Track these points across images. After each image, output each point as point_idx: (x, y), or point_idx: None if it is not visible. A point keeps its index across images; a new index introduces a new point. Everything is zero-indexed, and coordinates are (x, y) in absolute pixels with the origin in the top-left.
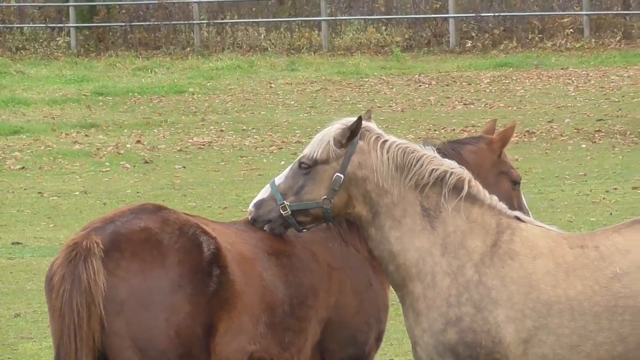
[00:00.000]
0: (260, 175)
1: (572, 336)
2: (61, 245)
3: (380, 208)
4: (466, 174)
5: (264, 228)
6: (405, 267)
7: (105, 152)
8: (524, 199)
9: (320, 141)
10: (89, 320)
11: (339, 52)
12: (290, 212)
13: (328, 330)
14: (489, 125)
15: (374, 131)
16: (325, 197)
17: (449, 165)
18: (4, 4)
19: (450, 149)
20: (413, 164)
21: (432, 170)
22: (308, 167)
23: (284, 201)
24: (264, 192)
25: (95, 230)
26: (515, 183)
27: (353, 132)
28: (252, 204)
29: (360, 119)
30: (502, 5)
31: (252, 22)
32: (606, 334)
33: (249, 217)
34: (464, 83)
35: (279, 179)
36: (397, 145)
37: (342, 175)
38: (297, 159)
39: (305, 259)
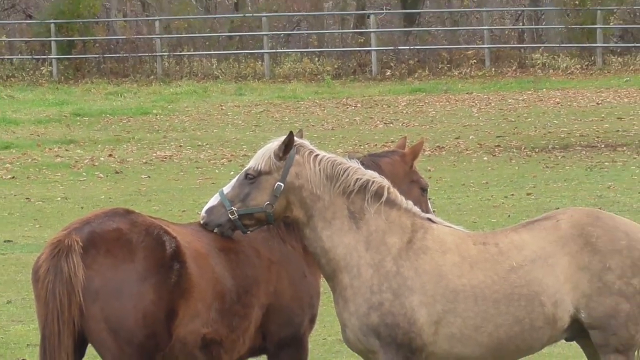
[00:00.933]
0: (213, 183)
1: (476, 319)
2: (45, 243)
3: (314, 212)
4: (386, 182)
5: (214, 231)
6: (335, 261)
7: (82, 164)
8: (429, 203)
9: (262, 155)
10: (70, 307)
11: (279, 80)
12: (237, 217)
13: (269, 314)
14: (400, 142)
15: (307, 147)
16: (268, 202)
17: (371, 175)
18: (2, 38)
19: (370, 161)
20: (341, 174)
21: (357, 179)
22: (253, 178)
23: (232, 207)
24: (213, 200)
25: (75, 230)
26: (424, 190)
27: (287, 146)
28: (203, 210)
29: (291, 133)
30: (417, 40)
31: (206, 54)
32: (504, 317)
33: (201, 222)
34: (384, 105)
35: (226, 189)
36: (327, 159)
37: (282, 184)
38: (243, 170)
39: (249, 255)
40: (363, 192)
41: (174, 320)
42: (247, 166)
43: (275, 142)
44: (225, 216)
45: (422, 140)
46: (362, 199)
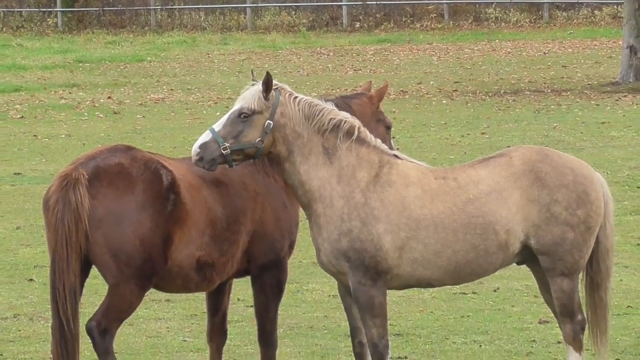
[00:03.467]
0: (201, 123)
1: (436, 245)
2: (52, 176)
3: (294, 147)
4: (357, 122)
5: (204, 166)
6: (310, 192)
7: (84, 106)
8: (393, 141)
9: (252, 96)
10: (77, 233)
11: (259, 31)
12: (229, 152)
13: (254, 240)
14: (366, 85)
15: (287, 89)
16: (259, 139)
17: (344, 115)
18: None
19: (342, 102)
20: (317, 114)
21: (331, 119)
22: (247, 116)
23: (225, 143)
24: (205, 137)
25: (81, 164)
26: (388, 128)
27: (267, 85)
28: (196, 146)
29: (268, 73)
30: None
31: (195, 7)
32: (462, 243)
33: (195, 157)
34: (353, 54)
35: (217, 127)
36: (304, 100)
37: (272, 122)
38: (235, 110)
39: (237, 187)
40: (336, 131)
41: (170, 246)
42: (238, 106)
43: (257, 86)
44: (218, 151)
45: (386, 84)
46: (335, 137)
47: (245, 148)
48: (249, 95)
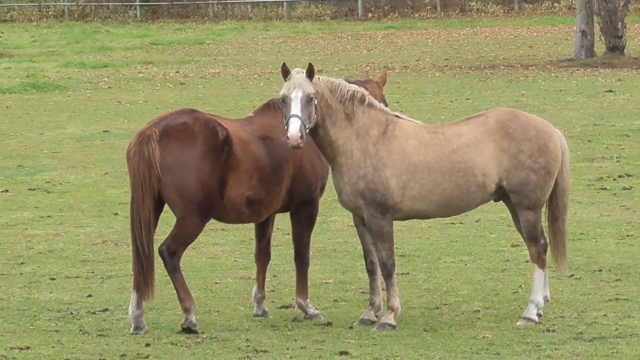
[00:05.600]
0: (248, 91)
1: (429, 184)
2: (132, 133)
3: (326, 116)
4: (366, 91)
5: (300, 146)
6: (336, 148)
7: (157, 78)
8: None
9: (307, 82)
10: (150, 178)
11: (294, 20)
12: (307, 131)
13: (294, 182)
14: (382, 73)
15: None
16: (316, 116)
17: (355, 87)
18: None
19: (360, 85)
20: (337, 88)
21: (348, 90)
22: (311, 99)
23: (307, 125)
24: (296, 124)
25: (154, 124)
26: (386, 104)
27: (311, 72)
28: (296, 133)
29: (310, 64)
30: None
31: (243, 2)
32: (448, 183)
33: (300, 141)
34: (367, 38)
35: (298, 112)
36: (325, 78)
37: (317, 100)
38: (301, 96)
39: (280, 141)
40: (352, 99)
41: (225, 187)
42: (301, 92)
43: (300, 73)
44: (305, 132)
45: (385, 71)
46: (352, 104)
47: (312, 124)
48: (305, 82)
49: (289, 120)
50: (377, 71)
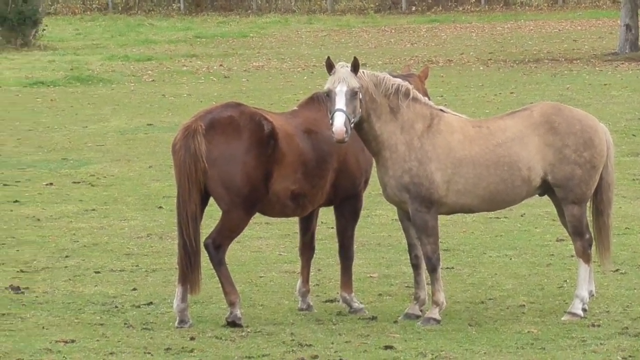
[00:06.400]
0: (292, 85)
1: (474, 178)
2: (176, 126)
3: (370, 111)
4: (411, 86)
5: (346, 140)
6: (381, 142)
7: (201, 71)
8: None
9: (351, 76)
10: (196, 171)
11: (337, 13)
12: (352, 125)
13: (338, 176)
14: (424, 68)
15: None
16: (361, 110)
17: (400, 81)
18: None
19: (403, 79)
20: (381, 82)
21: (392, 84)
22: (356, 93)
23: (352, 119)
24: (341, 118)
25: (200, 117)
26: (428, 98)
27: (356, 66)
28: (341, 128)
29: (355, 58)
30: None
31: None
32: (493, 177)
33: (345, 135)
34: (410, 31)
35: (343, 107)
36: (370, 72)
37: (361, 94)
38: (346, 90)
39: (325, 135)
40: (397, 93)
41: (270, 180)
42: (346, 87)
43: (345, 67)
44: (349, 126)
45: (427, 66)
46: (397, 98)
47: (357, 119)
48: (349, 76)
49: (333, 114)
50: (421, 65)
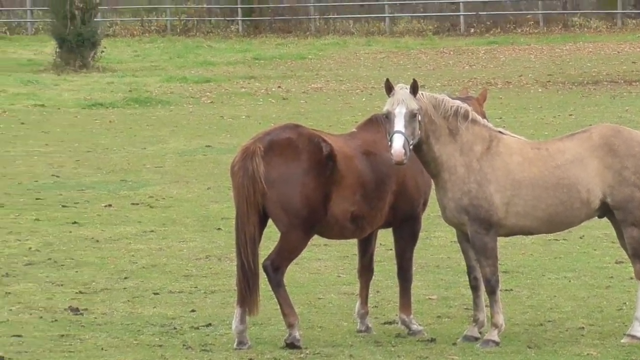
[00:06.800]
0: (351, 107)
1: (533, 200)
2: (235, 148)
3: (429, 132)
4: (469, 108)
5: (404, 162)
6: (440, 164)
7: (259, 93)
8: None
9: (411, 98)
10: (255, 193)
11: (396, 35)
12: (411, 147)
13: (397, 197)
14: (482, 91)
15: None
16: (420, 132)
17: (458, 102)
18: (200, 5)
19: (461, 100)
20: (440, 104)
21: (451, 106)
22: (415, 115)
23: (411, 141)
24: (400, 140)
25: (259, 139)
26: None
27: (415, 88)
28: (400, 150)
29: (415, 80)
30: (492, 7)
31: (345, 17)
32: (552, 199)
33: (403, 157)
34: (469, 53)
35: (402, 129)
36: (429, 94)
37: (421, 116)
38: (405, 112)
39: (384, 157)
40: (456, 115)
41: (329, 202)
42: (405, 108)
43: (404, 89)
44: (408, 148)
45: (485, 89)
46: (455, 120)
47: (416, 141)
48: (408, 98)
49: (392, 136)
50: (479, 87)
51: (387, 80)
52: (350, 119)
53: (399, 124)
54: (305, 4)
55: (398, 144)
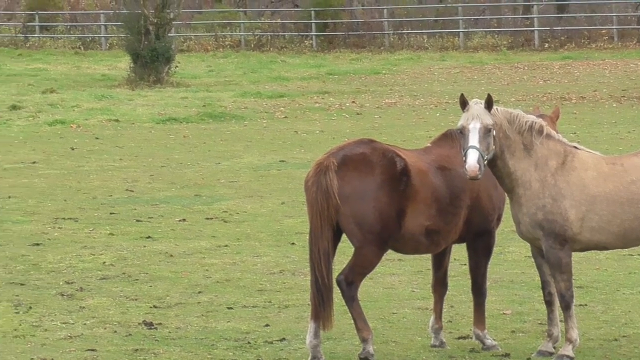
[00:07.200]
0: (425, 122)
1: (608, 215)
2: (309, 163)
3: (504, 147)
4: (544, 122)
5: (479, 177)
6: (515, 179)
7: (333, 108)
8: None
9: (485, 113)
10: (328, 208)
11: (470, 50)
12: (486, 162)
13: (471, 212)
14: (555, 109)
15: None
16: (494, 146)
17: (533, 117)
18: (274, 21)
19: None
20: (515, 119)
21: (526, 121)
22: (489, 130)
23: (486, 156)
24: (474, 155)
25: (332, 154)
26: None
27: (490, 103)
28: (475, 165)
29: (489, 95)
30: (566, 23)
31: (419, 32)
32: (628, 214)
33: (477, 172)
34: (543, 68)
35: (476, 144)
36: (503, 109)
37: (495, 131)
38: (479, 127)
39: (458, 172)
40: (530, 130)
41: (403, 217)
42: (479, 124)
43: (478, 104)
44: (483, 164)
45: (558, 107)
46: (530, 135)
47: (490, 156)
48: (483, 113)
49: (467, 151)
50: (554, 102)
51: (462, 95)
52: (423, 134)
53: (474, 139)
54: (379, 19)
55: (472, 159)
